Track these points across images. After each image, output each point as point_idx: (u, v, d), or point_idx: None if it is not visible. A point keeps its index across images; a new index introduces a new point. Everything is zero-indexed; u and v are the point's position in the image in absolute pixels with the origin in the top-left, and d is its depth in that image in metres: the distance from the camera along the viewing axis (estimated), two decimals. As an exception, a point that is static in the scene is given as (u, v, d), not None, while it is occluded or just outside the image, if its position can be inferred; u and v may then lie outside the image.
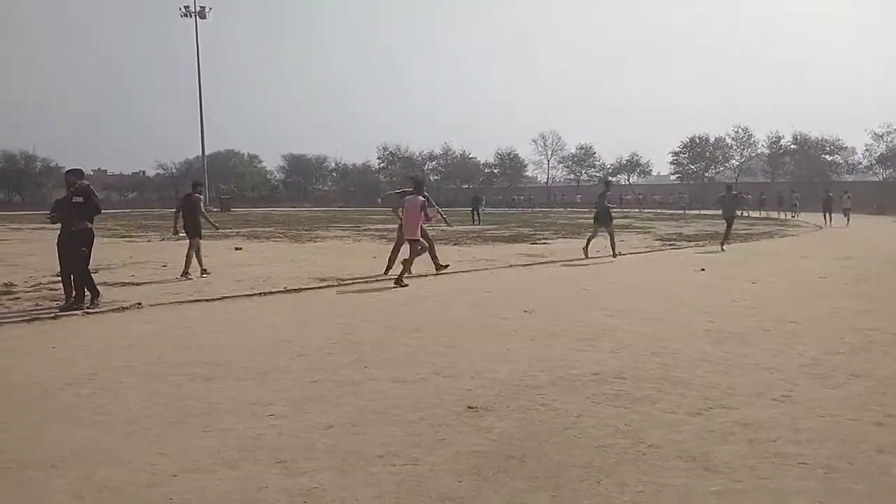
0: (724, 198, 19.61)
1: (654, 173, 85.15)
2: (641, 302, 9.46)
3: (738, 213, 19.04)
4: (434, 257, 12.94)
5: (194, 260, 12.33)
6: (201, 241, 12.61)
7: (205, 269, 12.42)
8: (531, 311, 8.69)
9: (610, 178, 16.49)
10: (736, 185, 35.33)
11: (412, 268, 11.80)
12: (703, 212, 47.65)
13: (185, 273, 12.09)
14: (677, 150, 75.36)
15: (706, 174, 73.79)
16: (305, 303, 9.65)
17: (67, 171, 9.47)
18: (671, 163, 77.14)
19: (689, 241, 20.98)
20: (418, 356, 6.34)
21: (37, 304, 9.31)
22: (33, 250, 18.05)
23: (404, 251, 12.18)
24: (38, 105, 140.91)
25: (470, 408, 4.78)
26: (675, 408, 4.77)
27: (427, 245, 12.39)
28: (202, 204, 13.12)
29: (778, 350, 6.52)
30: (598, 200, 16.80)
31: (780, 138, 70.19)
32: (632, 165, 77.84)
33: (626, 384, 5.36)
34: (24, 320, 8.26)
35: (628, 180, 78.61)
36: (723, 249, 18.05)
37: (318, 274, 12.50)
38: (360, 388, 5.30)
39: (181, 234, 12.63)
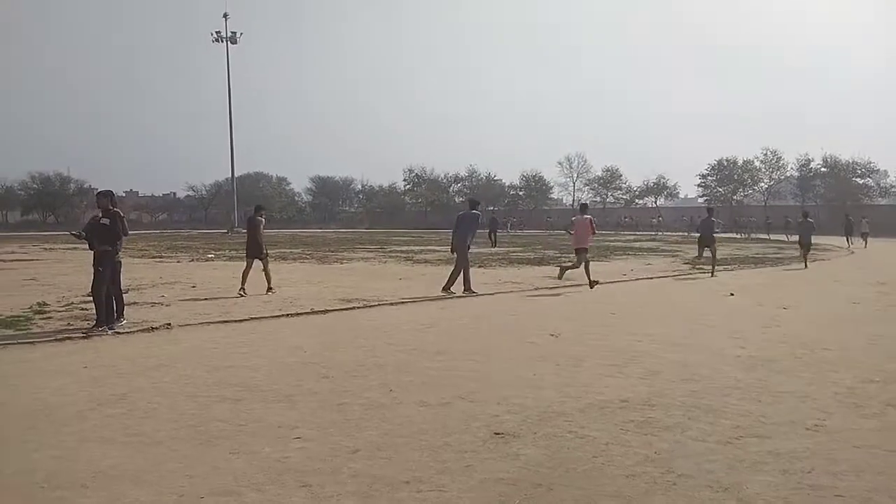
0: (802, 224, 21.81)
1: (682, 195, 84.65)
2: (670, 327, 9.34)
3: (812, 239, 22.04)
4: (467, 280, 13.34)
5: (250, 276, 13.10)
6: (257, 262, 13.35)
7: (243, 290, 12.78)
8: (558, 335, 8.63)
9: (710, 206, 20.18)
10: (757, 212, 34.88)
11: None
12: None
13: (269, 289, 13.04)
14: (705, 172, 74.90)
15: (734, 197, 73.07)
16: (331, 324, 9.68)
17: (98, 193, 9.69)
18: (698, 185, 76.70)
19: (717, 265, 20.67)
20: (444, 380, 6.32)
21: (69, 324, 9.47)
22: (66, 270, 18.41)
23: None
24: (73, 128, 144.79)
25: (496, 434, 4.74)
26: (706, 436, 4.69)
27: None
28: (261, 226, 13.77)
29: (811, 378, 6.39)
30: (702, 225, 18.89)
31: (809, 161, 69.43)
32: (659, 188, 77.35)
33: (656, 411, 5.28)
34: (56, 339, 8.40)
35: (655, 203, 78.16)
36: (806, 266, 20.27)
37: (344, 295, 12.56)
38: (386, 412, 5.29)
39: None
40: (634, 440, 4.61)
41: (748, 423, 4.97)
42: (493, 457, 4.30)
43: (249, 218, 14.33)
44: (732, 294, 13.19)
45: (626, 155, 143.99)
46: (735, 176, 73.02)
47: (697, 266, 19.39)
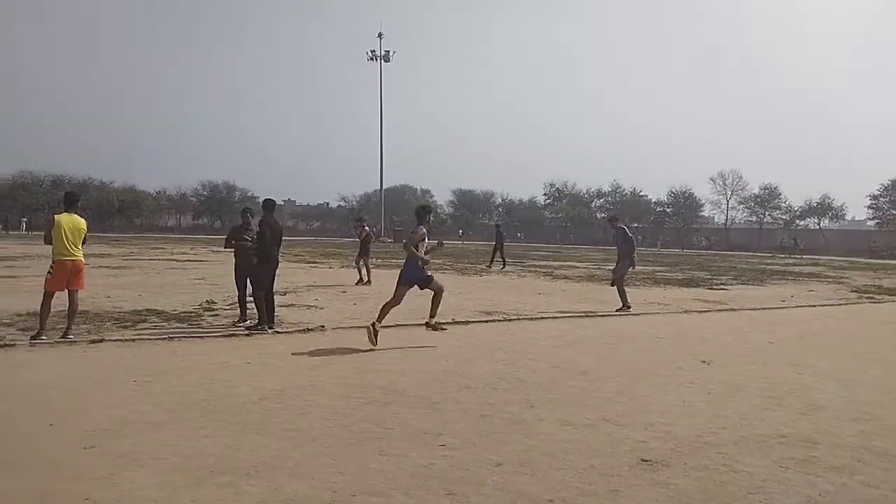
0: None
1: (849, 217, 77.75)
2: (836, 360, 8.62)
3: None
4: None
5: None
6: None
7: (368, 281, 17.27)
8: (709, 362, 8.21)
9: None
10: None
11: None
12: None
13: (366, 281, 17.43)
14: (876, 192, 68.43)
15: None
16: (472, 336, 9.79)
17: (264, 201, 10.55)
18: (869, 207, 70.15)
19: (890, 295, 18.83)
20: (587, 400, 6.21)
21: (233, 322, 10.25)
22: (230, 272, 19.87)
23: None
24: (240, 141, 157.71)
25: (644, 461, 4.59)
26: (879, 482, 4.28)
27: None
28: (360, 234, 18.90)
29: None
30: None
31: None
32: (822, 209, 71.34)
33: (819, 450, 4.89)
34: (223, 335, 9.14)
35: (818, 225, 72.32)
36: None
37: (484, 308, 12.67)
38: (528, 428, 5.28)
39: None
40: (795, 479, 4.30)
41: (931, 473, 4.48)
42: (640, 483, 4.17)
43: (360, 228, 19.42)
44: (910, 328, 11.95)
45: (786, 174, 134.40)
46: (913, 198, 66.23)
47: None
